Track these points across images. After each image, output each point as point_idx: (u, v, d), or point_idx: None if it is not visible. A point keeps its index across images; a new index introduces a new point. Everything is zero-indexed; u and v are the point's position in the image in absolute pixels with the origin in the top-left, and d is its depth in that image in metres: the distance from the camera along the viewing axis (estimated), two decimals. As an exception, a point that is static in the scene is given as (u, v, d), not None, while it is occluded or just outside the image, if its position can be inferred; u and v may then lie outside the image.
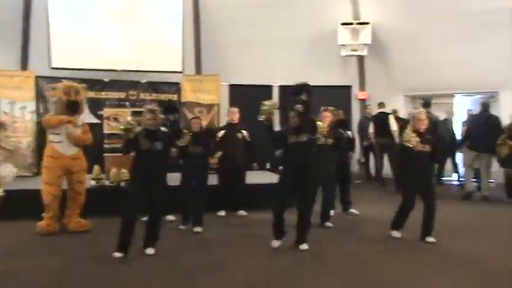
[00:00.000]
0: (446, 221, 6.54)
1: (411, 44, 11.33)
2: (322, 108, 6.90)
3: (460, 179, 10.72)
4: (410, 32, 11.22)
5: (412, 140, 5.78)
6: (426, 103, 10.02)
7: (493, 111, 9.97)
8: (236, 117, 7.84)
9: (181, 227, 6.64)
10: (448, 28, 10.73)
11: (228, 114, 8.09)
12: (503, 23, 9.90)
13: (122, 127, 5.23)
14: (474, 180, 9.84)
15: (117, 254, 5.06)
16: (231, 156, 7.50)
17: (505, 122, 9.32)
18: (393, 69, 11.92)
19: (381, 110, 10.96)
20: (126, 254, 5.10)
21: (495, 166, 9.49)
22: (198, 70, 11.89)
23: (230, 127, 7.81)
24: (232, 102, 10.35)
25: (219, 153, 7.21)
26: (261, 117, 5.48)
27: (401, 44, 11.57)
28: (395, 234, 6.04)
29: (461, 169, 10.10)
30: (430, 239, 5.87)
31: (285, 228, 5.63)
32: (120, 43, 10.93)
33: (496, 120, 9.20)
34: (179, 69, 11.17)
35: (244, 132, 7.79)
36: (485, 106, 9.41)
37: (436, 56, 10.76)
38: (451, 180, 10.98)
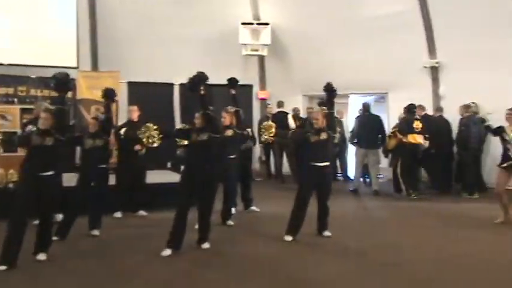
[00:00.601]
0: (339, 216, 6.81)
1: (309, 45, 11.75)
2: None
3: (348, 176, 11.27)
4: (307, 33, 11.63)
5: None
6: (322, 102, 10.38)
7: (382, 111, 10.62)
8: (136, 116, 7.69)
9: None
10: (343, 30, 11.24)
11: (128, 113, 7.90)
12: (394, 28, 10.52)
13: None
14: (364, 176, 10.44)
15: (1, 267, 4.65)
16: (131, 155, 7.36)
17: (392, 121, 9.98)
18: (292, 69, 12.28)
19: (280, 109, 11.27)
20: (11, 264, 4.71)
21: (384, 162, 10.15)
22: (95, 66, 11.39)
23: (130, 125, 7.58)
24: (131, 100, 10.04)
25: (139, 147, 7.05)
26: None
27: (299, 45, 11.97)
28: (288, 238, 5.95)
29: (352, 166, 10.61)
30: (327, 233, 6.14)
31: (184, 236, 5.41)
32: (6, 34, 10.12)
33: (376, 119, 9.86)
34: (74, 64, 10.60)
35: None
36: (366, 107, 10.01)
37: (331, 57, 11.24)
38: (342, 177, 11.50)
